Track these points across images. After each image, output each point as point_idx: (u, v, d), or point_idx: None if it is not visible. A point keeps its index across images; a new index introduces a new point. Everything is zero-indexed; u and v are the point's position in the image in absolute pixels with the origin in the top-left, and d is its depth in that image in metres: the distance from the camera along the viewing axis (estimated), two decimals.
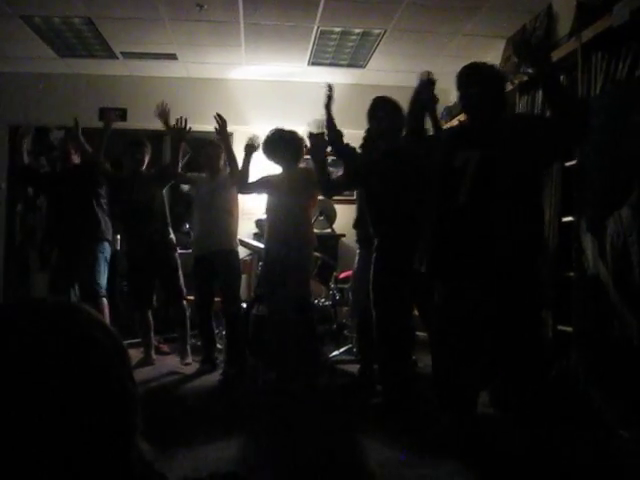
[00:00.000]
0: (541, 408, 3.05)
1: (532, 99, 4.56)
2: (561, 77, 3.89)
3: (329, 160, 4.89)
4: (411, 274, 3.60)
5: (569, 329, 3.82)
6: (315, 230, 5.10)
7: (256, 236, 6.29)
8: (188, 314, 5.30)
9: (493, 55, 5.55)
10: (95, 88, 6.86)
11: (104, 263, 5.21)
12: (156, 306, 5.49)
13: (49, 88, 6.67)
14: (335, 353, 5.50)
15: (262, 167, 5.01)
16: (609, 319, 3.41)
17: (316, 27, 5.61)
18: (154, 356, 5.33)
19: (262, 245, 5.02)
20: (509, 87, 4.35)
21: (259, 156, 4.77)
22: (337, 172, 5.09)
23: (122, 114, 6.56)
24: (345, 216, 6.11)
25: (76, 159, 5.29)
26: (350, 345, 5.63)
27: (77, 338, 0.71)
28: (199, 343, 5.37)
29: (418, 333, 4.31)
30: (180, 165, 5.18)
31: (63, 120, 5.00)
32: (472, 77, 3.13)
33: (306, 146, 4.55)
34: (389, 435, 3.39)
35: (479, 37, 5.71)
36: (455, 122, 5.37)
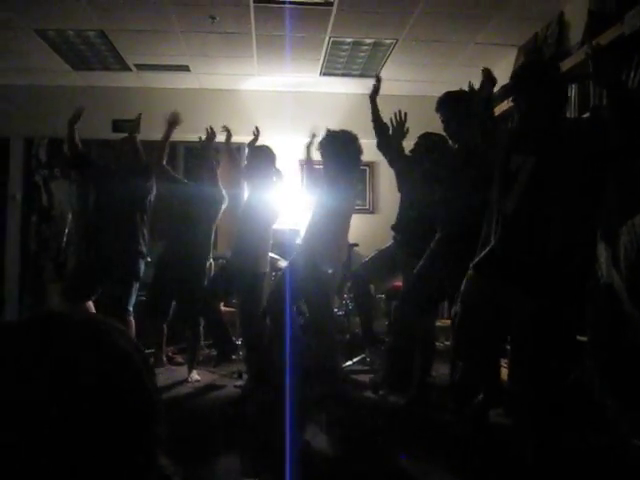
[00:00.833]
0: (556, 414, 3.02)
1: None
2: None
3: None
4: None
5: (583, 338, 3.80)
6: None
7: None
8: (202, 327, 5.21)
9: (505, 64, 5.55)
10: (109, 100, 6.94)
11: (137, 283, 4.99)
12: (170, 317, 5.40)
13: (63, 100, 6.74)
14: (348, 363, 5.49)
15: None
16: (623, 328, 3.38)
17: (328, 37, 5.64)
18: (165, 358, 5.45)
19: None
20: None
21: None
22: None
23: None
24: (357, 226, 5.98)
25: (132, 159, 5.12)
26: (363, 355, 5.61)
27: (111, 353, 0.73)
28: (214, 352, 5.40)
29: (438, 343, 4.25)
30: (215, 174, 5.14)
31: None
32: (531, 79, 3.01)
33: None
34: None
35: (491, 46, 5.72)
36: None
